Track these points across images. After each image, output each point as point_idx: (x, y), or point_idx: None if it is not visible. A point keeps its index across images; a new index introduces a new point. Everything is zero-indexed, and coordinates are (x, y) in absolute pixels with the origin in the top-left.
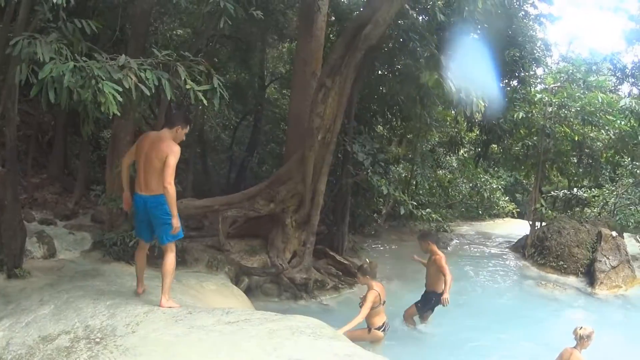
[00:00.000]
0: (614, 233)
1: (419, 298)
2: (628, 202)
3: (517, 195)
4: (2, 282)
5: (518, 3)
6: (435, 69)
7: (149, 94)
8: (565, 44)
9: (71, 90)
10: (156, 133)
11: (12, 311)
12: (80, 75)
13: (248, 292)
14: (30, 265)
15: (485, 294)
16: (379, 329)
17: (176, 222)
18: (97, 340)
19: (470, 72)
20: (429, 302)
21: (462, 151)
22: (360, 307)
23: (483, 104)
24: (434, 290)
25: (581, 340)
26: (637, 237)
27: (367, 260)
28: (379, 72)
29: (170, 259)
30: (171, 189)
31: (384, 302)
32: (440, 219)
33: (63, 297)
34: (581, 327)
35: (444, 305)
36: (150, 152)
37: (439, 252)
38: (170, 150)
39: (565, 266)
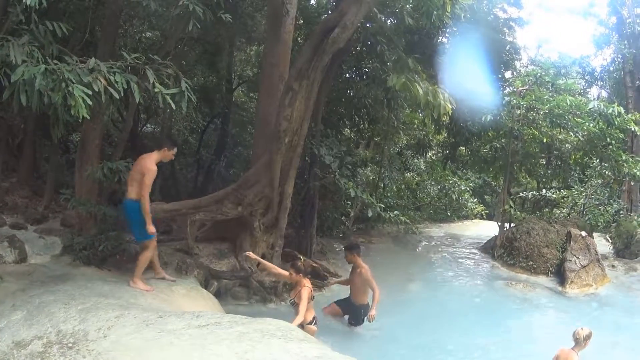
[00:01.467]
0: (584, 233)
1: (343, 300)
2: (597, 203)
3: (486, 196)
4: None
5: (487, 7)
6: (403, 72)
7: (117, 97)
8: (535, 47)
9: (42, 93)
10: (147, 154)
11: None
12: (51, 78)
13: (217, 295)
14: (1, 270)
15: (455, 295)
16: (310, 323)
17: (151, 228)
18: (70, 345)
19: (439, 75)
20: (360, 315)
21: (430, 154)
22: (296, 306)
23: (450, 107)
24: (363, 303)
25: (584, 341)
26: (607, 236)
27: (301, 258)
28: (347, 75)
29: (144, 254)
30: (144, 201)
31: (313, 297)
32: (408, 221)
33: (35, 302)
34: (582, 328)
35: (370, 322)
36: (135, 166)
37: (364, 264)
38: (147, 169)
39: (535, 266)
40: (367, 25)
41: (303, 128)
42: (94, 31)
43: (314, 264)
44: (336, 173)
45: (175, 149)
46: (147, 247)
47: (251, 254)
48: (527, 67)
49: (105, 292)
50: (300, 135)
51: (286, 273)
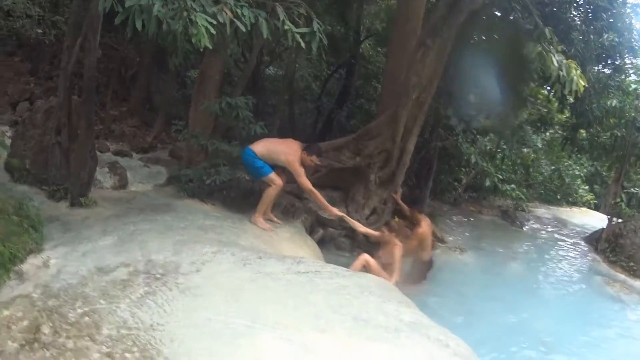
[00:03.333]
0: None
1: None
2: None
3: (595, 186)
4: (64, 210)
5: None
6: (539, 41)
7: (244, 30)
8: None
9: (160, 21)
10: (297, 146)
11: (70, 239)
12: (171, 7)
13: (321, 243)
14: (97, 195)
15: (552, 282)
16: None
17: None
18: (158, 276)
19: (568, 51)
20: None
21: (549, 132)
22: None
23: (583, 84)
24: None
25: None
26: None
27: (396, 217)
28: (479, 39)
29: (269, 191)
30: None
31: None
32: (522, 196)
33: (129, 229)
34: None
35: None
36: (280, 145)
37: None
38: (292, 167)
39: (635, 268)
40: None
41: (432, 85)
42: None
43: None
44: (459, 136)
45: (318, 160)
46: (271, 183)
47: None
48: None
49: (205, 227)
50: (429, 92)
51: (374, 232)
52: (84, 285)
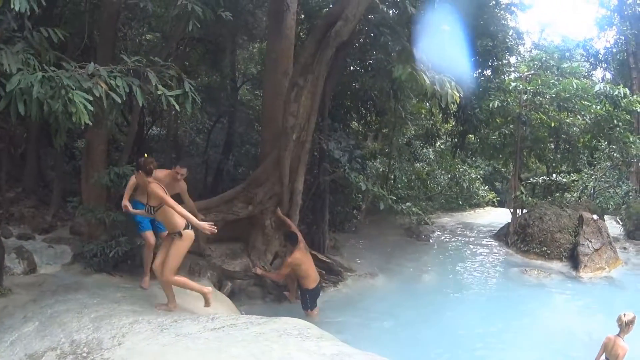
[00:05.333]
0: (595, 216)
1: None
2: (607, 185)
3: (497, 184)
4: None
5: None
6: (408, 62)
7: (120, 101)
8: (537, 32)
9: (41, 102)
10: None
11: None
12: (49, 86)
13: (232, 295)
14: (10, 282)
15: (470, 285)
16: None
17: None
18: (84, 355)
19: (443, 64)
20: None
21: (438, 143)
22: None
23: (458, 95)
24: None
25: (626, 326)
26: (617, 218)
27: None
28: (351, 68)
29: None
30: None
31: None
32: (420, 212)
33: (47, 313)
34: (625, 314)
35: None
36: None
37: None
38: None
39: (549, 252)
40: (370, 16)
41: (310, 123)
42: (92, 36)
43: (327, 260)
44: (346, 167)
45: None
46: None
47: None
48: (530, 51)
49: (118, 299)
50: (308, 130)
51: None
52: None
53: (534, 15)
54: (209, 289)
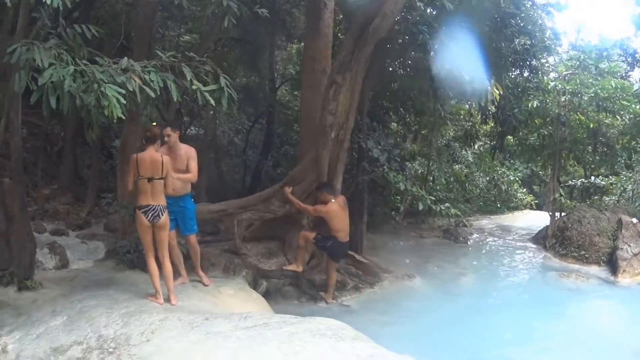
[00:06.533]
0: (635, 220)
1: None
2: None
3: (534, 186)
4: (13, 294)
5: None
6: (447, 60)
7: (154, 95)
8: (574, 32)
9: (73, 96)
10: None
11: (23, 323)
12: (81, 80)
13: (267, 295)
14: (41, 277)
15: (508, 288)
16: (140, 209)
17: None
18: (111, 350)
19: (482, 62)
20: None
21: (477, 145)
22: None
23: (498, 92)
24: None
25: None
26: None
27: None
28: (390, 68)
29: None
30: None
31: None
32: (459, 213)
33: (76, 307)
34: None
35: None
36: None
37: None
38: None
39: (587, 255)
40: (408, 15)
41: (349, 122)
42: (129, 37)
43: (365, 260)
44: (385, 167)
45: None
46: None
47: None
48: (567, 52)
49: (149, 294)
50: (347, 129)
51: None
52: None
53: (570, 15)
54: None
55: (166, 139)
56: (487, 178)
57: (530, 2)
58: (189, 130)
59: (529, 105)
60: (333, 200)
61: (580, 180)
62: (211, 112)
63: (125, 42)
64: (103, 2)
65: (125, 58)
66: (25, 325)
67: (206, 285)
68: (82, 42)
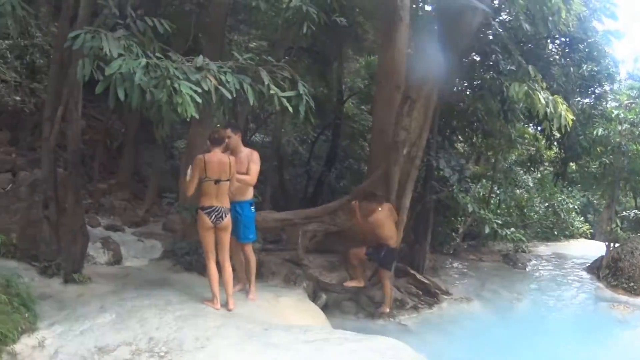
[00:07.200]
0: None
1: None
2: None
3: (589, 215)
4: (57, 287)
5: (586, 19)
6: (524, 81)
7: (230, 97)
8: (631, 60)
9: (143, 90)
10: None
11: (66, 317)
12: (153, 75)
13: (325, 308)
14: (91, 271)
15: (561, 316)
16: (203, 209)
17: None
18: (162, 354)
19: (550, 86)
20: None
21: (538, 170)
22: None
23: (571, 117)
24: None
25: None
26: None
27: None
28: (459, 87)
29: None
30: None
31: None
32: (523, 239)
33: (127, 306)
34: None
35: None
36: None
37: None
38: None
39: (635, 287)
40: (480, 35)
41: (422, 139)
42: (197, 38)
43: (425, 281)
44: (454, 187)
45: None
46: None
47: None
48: (625, 80)
49: (206, 298)
50: (419, 146)
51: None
52: None
53: (626, 44)
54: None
55: (227, 140)
56: (546, 204)
57: (591, 29)
58: (254, 136)
59: (594, 132)
60: (380, 209)
61: (633, 211)
62: (279, 120)
63: (193, 44)
64: (171, 0)
65: (201, 56)
66: (69, 319)
67: (252, 300)
68: (153, 36)
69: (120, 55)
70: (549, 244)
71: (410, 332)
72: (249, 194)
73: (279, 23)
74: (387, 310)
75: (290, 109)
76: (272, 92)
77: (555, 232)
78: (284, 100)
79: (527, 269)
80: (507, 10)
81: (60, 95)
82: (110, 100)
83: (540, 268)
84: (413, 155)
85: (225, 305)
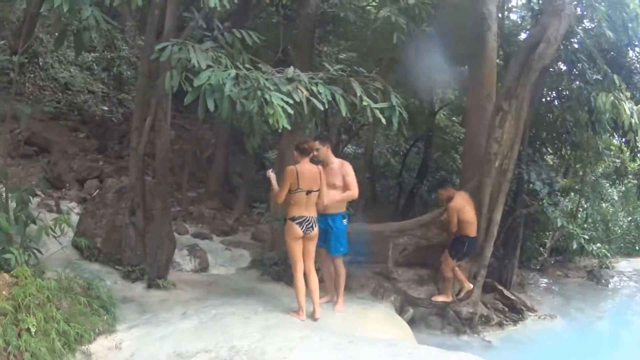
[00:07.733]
0: None
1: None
2: None
3: None
4: (140, 291)
5: None
6: (610, 91)
7: (322, 108)
8: None
9: (233, 101)
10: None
11: (146, 321)
12: (243, 86)
13: (411, 323)
14: (176, 277)
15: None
16: (294, 220)
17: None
18: None
19: (633, 96)
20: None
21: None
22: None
23: None
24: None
25: None
26: None
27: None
28: (547, 98)
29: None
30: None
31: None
32: (608, 255)
33: (210, 313)
34: None
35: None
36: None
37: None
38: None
39: None
40: (566, 42)
41: (513, 151)
42: (286, 50)
43: (512, 297)
44: (545, 201)
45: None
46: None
47: None
48: None
49: (292, 309)
50: (511, 158)
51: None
52: None
53: None
54: None
55: (315, 153)
56: (629, 218)
57: None
58: (346, 148)
59: None
60: (457, 194)
61: None
62: (372, 132)
63: (282, 56)
64: (258, 12)
65: (291, 67)
66: (149, 323)
67: (339, 312)
68: (241, 48)
69: (208, 66)
70: (630, 259)
71: (494, 349)
72: (342, 207)
73: (367, 34)
74: (441, 299)
75: (383, 120)
76: (364, 103)
77: (637, 248)
78: (377, 112)
79: (609, 286)
80: (590, 17)
81: (148, 105)
82: (200, 111)
83: (622, 285)
84: (505, 168)
85: (311, 315)
